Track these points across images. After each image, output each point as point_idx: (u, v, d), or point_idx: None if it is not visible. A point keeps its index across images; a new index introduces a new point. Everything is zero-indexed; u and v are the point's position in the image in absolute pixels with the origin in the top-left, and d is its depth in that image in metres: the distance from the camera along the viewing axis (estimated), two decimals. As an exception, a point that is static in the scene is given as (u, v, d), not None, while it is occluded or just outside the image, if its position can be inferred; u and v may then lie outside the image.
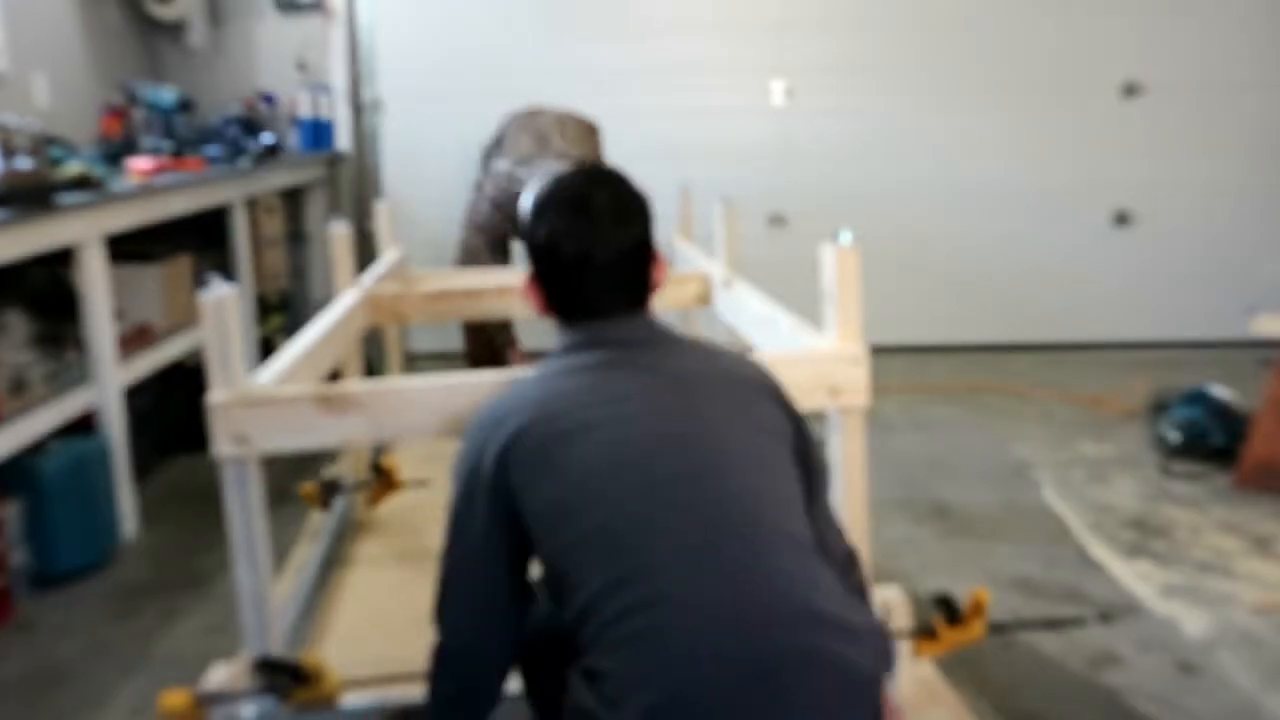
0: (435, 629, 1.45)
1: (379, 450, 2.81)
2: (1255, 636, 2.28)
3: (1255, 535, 2.78)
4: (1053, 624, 2.32)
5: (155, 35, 4.54)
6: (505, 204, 3.59)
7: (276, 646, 1.70)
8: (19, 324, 2.75)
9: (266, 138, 3.93)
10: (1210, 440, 3.31)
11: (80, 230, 2.68)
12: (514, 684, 1.50)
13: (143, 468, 3.19)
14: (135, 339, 3.10)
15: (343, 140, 4.63)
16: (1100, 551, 2.71)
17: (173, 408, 3.48)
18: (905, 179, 4.69)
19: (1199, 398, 3.41)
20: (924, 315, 4.78)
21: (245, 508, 1.65)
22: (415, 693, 1.63)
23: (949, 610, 1.90)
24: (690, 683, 1.17)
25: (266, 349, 3.95)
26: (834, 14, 4.56)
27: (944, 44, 4.61)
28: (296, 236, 4.52)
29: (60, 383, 2.71)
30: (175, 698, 1.67)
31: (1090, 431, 3.65)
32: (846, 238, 1.79)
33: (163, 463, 3.40)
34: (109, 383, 2.81)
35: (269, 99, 4.56)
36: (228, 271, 3.79)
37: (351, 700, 1.74)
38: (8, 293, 2.88)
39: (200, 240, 3.72)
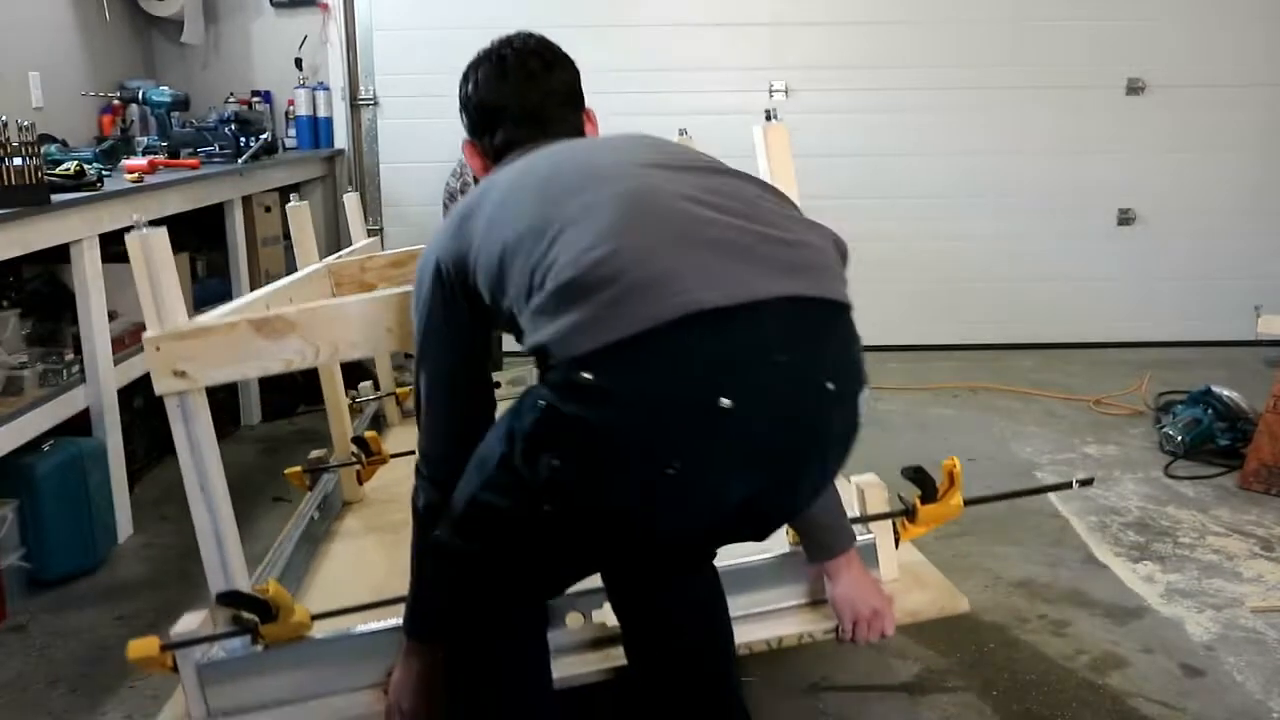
0: (421, 468, 1.51)
1: (360, 427, 2.81)
2: (1260, 638, 2.26)
3: (1260, 537, 2.76)
4: (1056, 626, 2.31)
5: (151, 33, 4.52)
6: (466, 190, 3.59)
7: (241, 585, 1.70)
8: (13, 323, 2.73)
9: (263, 135, 3.91)
10: (1215, 441, 3.29)
11: (75, 229, 2.66)
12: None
13: (138, 468, 3.17)
14: (131, 339, 3.07)
15: (340, 138, 4.61)
16: (1104, 553, 2.69)
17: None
18: (906, 178, 4.67)
19: (1203, 398, 3.39)
20: (925, 315, 4.76)
21: (194, 443, 1.68)
22: (391, 621, 1.65)
23: (924, 485, 1.89)
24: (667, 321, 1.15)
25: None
26: (833, 13, 4.54)
27: (944, 43, 4.59)
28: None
29: (55, 382, 2.69)
30: (142, 645, 1.67)
31: (1094, 432, 3.63)
32: (775, 116, 1.94)
33: (158, 463, 3.38)
34: (104, 382, 2.79)
35: (266, 96, 4.55)
36: (224, 270, 3.78)
37: (322, 632, 1.73)
38: (2, 292, 2.87)
39: (197, 239, 3.71)
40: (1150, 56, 4.61)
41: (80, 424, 2.76)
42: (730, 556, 1.69)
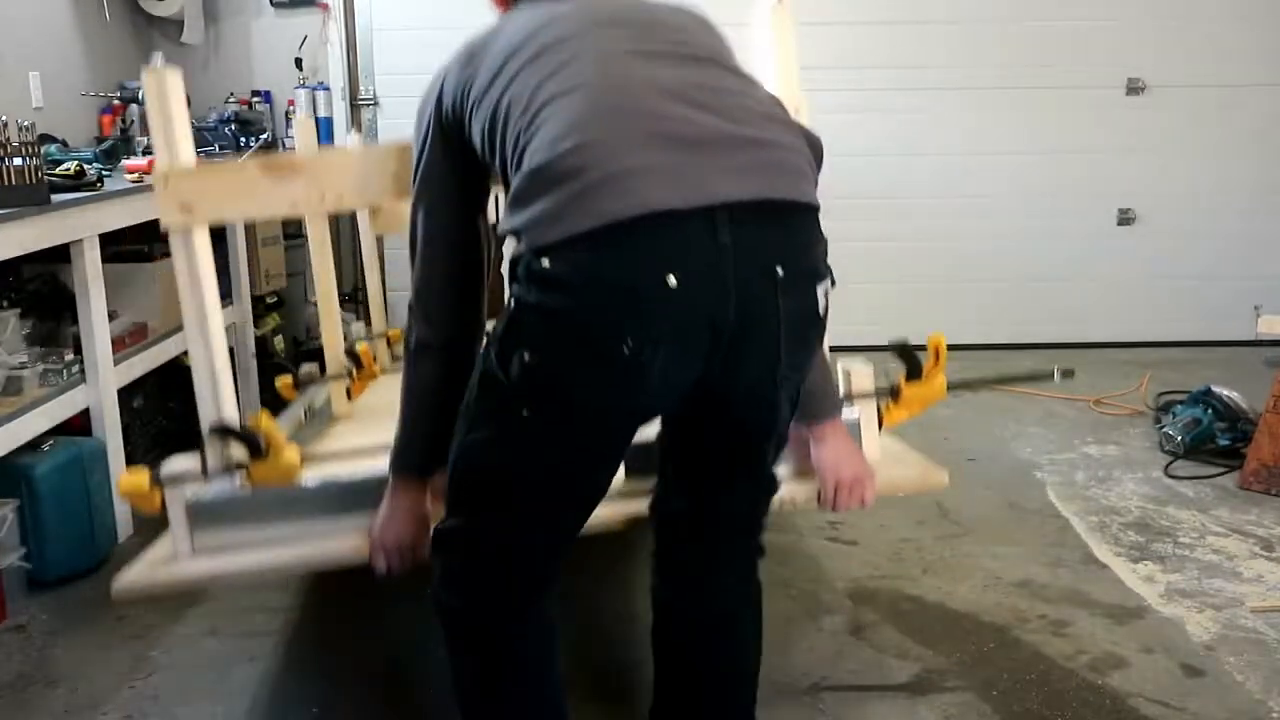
0: (414, 304, 1.53)
1: (352, 340, 2.83)
2: (1260, 638, 2.26)
3: (1260, 537, 2.76)
4: (1056, 626, 2.31)
5: (151, 33, 4.52)
6: None
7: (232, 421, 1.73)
8: (13, 323, 2.73)
9: (263, 135, 3.91)
10: (1215, 441, 3.29)
11: (75, 229, 2.66)
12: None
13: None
14: (131, 339, 3.07)
15: (340, 137, 4.61)
16: (1104, 553, 2.69)
17: (168, 408, 3.46)
18: (907, 178, 4.67)
19: (1203, 398, 3.39)
20: (925, 315, 4.75)
21: (195, 278, 1.70)
22: (378, 465, 1.65)
23: (909, 362, 1.91)
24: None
25: (263, 349, 3.93)
26: (832, 13, 4.54)
27: (944, 43, 4.59)
28: (294, 235, 4.50)
29: (55, 382, 2.69)
30: (133, 478, 1.68)
31: (1094, 432, 3.63)
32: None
33: (158, 464, 3.37)
34: (104, 382, 2.79)
35: (266, 96, 4.55)
36: (225, 270, 3.77)
37: (312, 477, 1.74)
38: (2, 292, 2.87)
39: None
40: (1150, 56, 4.61)
41: (80, 424, 2.76)
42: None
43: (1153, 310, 4.79)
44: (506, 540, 1.42)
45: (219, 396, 1.71)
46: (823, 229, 1.37)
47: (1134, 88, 4.64)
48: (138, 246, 3.31)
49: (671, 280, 1.21)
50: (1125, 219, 4.77)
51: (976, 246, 4.74)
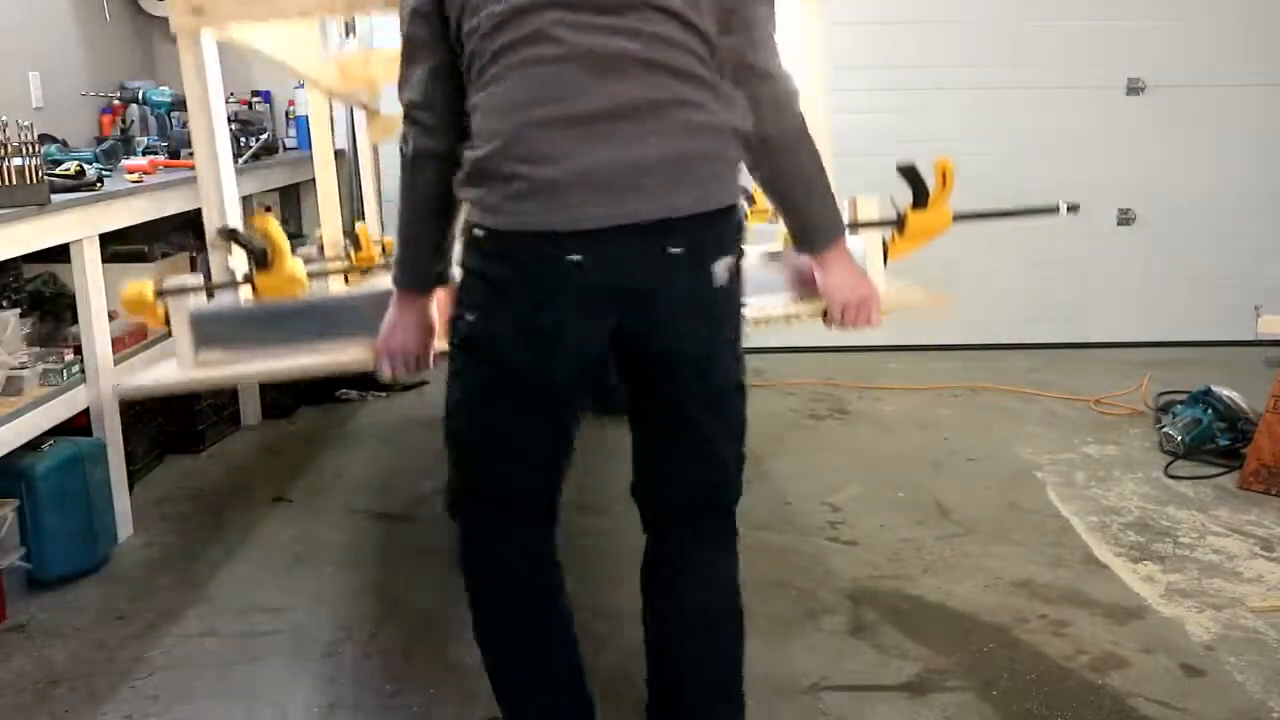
0: (409, 114, 1.61)
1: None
2: (1260, 638, 2.26)
3: (1260, 537, 2.76)
4: (1056, 625, 2.31)
5: (151, 33, 4.51)
6: None
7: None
8: (13, 323, 2.73)
9: (263, 135, 3.91)
10: (1215, 441, 3.29)
11: (75, 229, 2.66)
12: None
13: (138, 468, 3.17)
14: (131, 339, 3.07)
15: (340, 138, 4.60)
16: (1104, 553, 2.69)
17: (168, 408, 3.46)
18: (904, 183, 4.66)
19: (1203, 398, 3.39)
20: (924, 315, 4.75)
21: (202, 83, 1.73)
22: (382, 283, 1.66)
23: (915, 186, 1.90)
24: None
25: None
26: (832, 12, 4.53)
27: (944, 43, 4.59)
28: (294, 235, 4.50)
29: (55, 382, 2.69)
30: (137, 287, 1.67)
31: (1094, 432, 3.63)
32: None
33: (158, 463, 3.38)
34: (104, 382, 2.79)
35: (266, 96, 4.55)
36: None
37: (313, 294, 1.78)
38: (2, 292, 2.87)
39: (197, 239, 3.70)
40: (1150, 56, 4.61)
41: (80, 424, 2.76)
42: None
43: (1153, 310, 4.78)
44: (484, 487, 1.61)
45: (224, 201, 1.73)
46: (736, 205, 1.52)
47: (1134, 88, 4.64)
48: (138, 246, 3.31)
49: (573, 257, 1.43)
50: (1125, 219, 4.77)
51: (976, 246, 4.72)
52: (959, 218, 1.95)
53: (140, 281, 1.67)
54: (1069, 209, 2.01)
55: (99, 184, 2.80)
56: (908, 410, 3.93)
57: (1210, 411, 3.33)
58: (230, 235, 1.70)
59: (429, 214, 1.61)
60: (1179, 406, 3.47)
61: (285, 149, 4.41)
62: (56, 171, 2.71)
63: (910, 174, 1.94)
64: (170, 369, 1.78)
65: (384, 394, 4.16)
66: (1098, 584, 2.53)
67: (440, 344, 1.66)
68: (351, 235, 2.48)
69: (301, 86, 4.49)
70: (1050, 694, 2.07)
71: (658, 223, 1.44)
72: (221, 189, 1.74)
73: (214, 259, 1.73)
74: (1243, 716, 2.00)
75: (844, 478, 3.24)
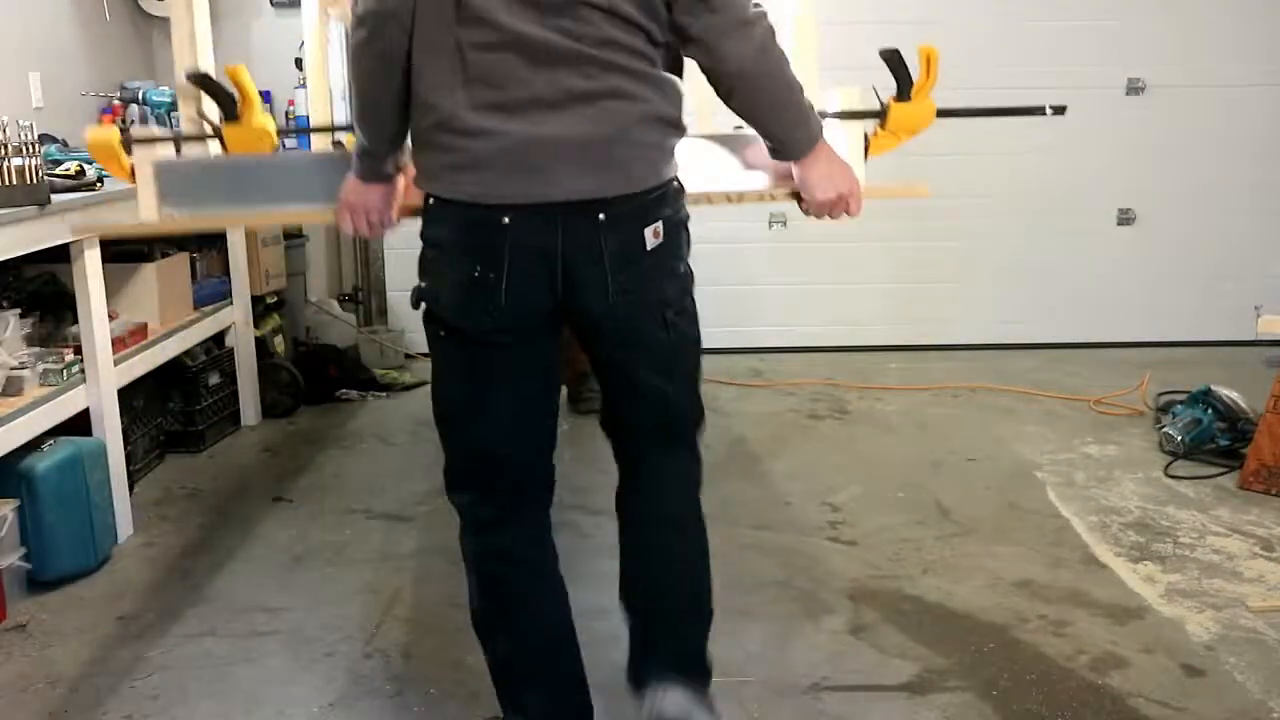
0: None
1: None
2: (1260, 638, 2.26)
3: (1260, 536, 2.76)
4: (1056, 626, 2.31)
5: (151, 33, 4.52)
6: None
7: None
8: (13, 323, 2.73)
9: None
10: (1215, 441, 3.29)
11: (76, 229, 2.66)
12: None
13: (138, 468, 3.17)
14: (131, 339, 3.07)
15: (340, 138, 4.60)
16: (1104, 553, 2.69)
17: (168, 408, 3.46)
18: (906, 178, 4.65)
19: (1203, 398, 3.39)
20: (925, 315, 4.76)
21: None
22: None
23: (899, 74, 1.85)
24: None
25: (263, 350, 3.93)
26: (832, 11, 4.53)
27: (944, 43, 4.56)
28: (294, 235, 4.50)
29: (55, 382, 2.69)
30: (103, 133, 1.67)
31: (1094, 432, 3.63)
32: None
33: (158, 463, 3.38)
34: (104, 382, 2.79)
35: (266, 96, 4.53)
36: (225, 270, 3.77)
37: (285, 152, 1.79)
38: (2, 292, 2.87)
39: (196, 239, 3.70)
40: (1150, 56, 4.61)
41: (80, 424, 2.76)
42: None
43: (1153, 310, 4.79)
44: (466, 458, 1.69)
45: (196, 50, 1.73)
46: (666, 184, 1.57)
47: (1134, 88, 4.64)
48: (138, 246, 3.31)
49: (505, 219, 1.50)
50: (1125, 219, 4.77)
51: (976, 246, 4.74)
52: (943, 113, 1.91)
53: (107, 129, 1.66)
54: (1054, 110, 1.99)
55: (99, 184, 2.80)
56: (908, 410, 3.93)
57: (1210, 411, 3.33)
58: (200, 80, 1.67)
59: (389, 90, 1.55)
60: (1179, 406, 3.47)
61: (285, 148, 4.40)
62: (56, 171, 2.71)
63: (894, 60, 1.87)
64: (130, 214, 1.81)
65: (384, 394, 4.16)
66: (1098, 584, 2.53)
67: (407, 201, 1.69)
68: (339, 146, 2.46)
69: (302, 86, 4.50)
70: (1050, 694, 2.07)
71: (585, 200, 1.52)
72: (195, 34, 1.75)
73: (183, 109, 1.71)
74: (1243, 716, 2.00)
75: (844, 478, 3.24)
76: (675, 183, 1.61)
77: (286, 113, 4.56)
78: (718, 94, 1.60)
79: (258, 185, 1.73)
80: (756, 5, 1.53)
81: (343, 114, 2.24)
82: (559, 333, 1.66)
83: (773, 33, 1.55)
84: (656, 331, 1.63)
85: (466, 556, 1.73)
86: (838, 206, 1.73)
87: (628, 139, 1.51)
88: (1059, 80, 4.62)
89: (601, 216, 1.51)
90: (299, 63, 4.52)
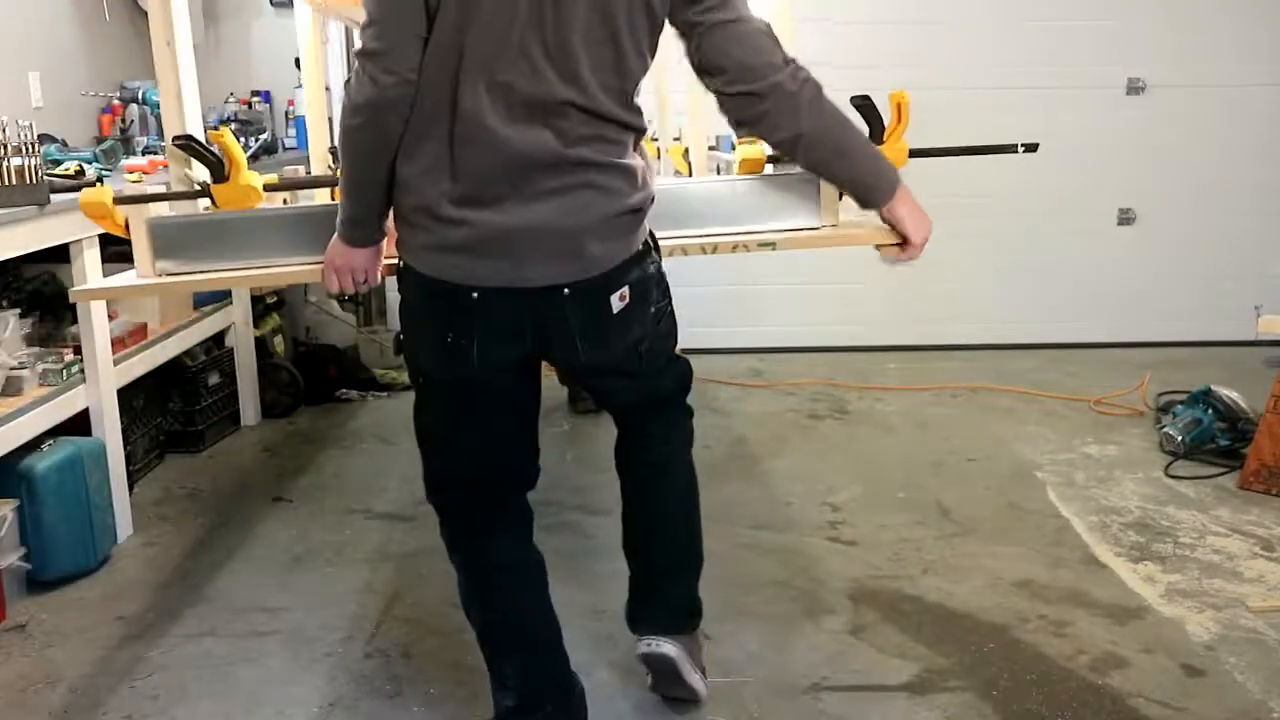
0: (367, 63, 1.54)
1: None
2: (1260, 638, 2.26)
3: (1260, 536, 2.76)
4: (1056, 626, 2.31)
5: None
6: None
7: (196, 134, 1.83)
8: (13, 323, 2.73)
9: (263, 135, 3.91)
10: (1215, 441, 3.29)
11: (75, 229, 2.66)
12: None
13: (138, 468, 3.17)
14: (131, 339, 3.07)
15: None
16: (1104, 553, 2.69)
17: (168, 408, 3.46)
18: (905, 178, 4.65)
19: (1203, 398, 3.39)
20: (925, 315, 4.76)
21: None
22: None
23: (871, 121, 1.91)
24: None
25: (263, 350, 3.93)
26: (830, 12, 4.54)
27: (943, 43, 4.59)
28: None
29: (55, 382, 2.69)
30: (95, 194, 1.74)
31: (1094, 432, 3.62)
32: None
33: (158, 463, 3.38)
34: (104, 382, 2.79)
35: (266, 96, 4.55)
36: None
37: (269, 207, 1.84)
38: (2, 292, 2.87)
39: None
40: (1150, 56, 4.61)
41: (80, 424, 2.76)
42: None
43: (1153, 310, 4.78)
44: (447, 474, 1.80)
45: (184, 113, 1.80)
46: (631, 250, 1.64)
47: (1134, 88, 4.64)
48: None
49: (474, 295, 1.58)
50: (1125, 219, 4.77)
51: (976, 246, 4.73)
52: (915, 153, 1.95)
53: (100, 189, 1.73)
54: (1025, 149, 2.03)
55: (99, 184, 2.80)
56: (908, 410, 3.93)
57: (1210, 411, 3.33)
58: (186, 143, 1.74)
59: (381, 169, 1.59)
60: (1179, 406, 3.47)
61: (285, 149, 4.41)
62: (56, 171, 2.71)
63: (865, 108, 1.94)
64: (129, 275, 1.86)
65: (384, 394, 4.16)
66: (1098, 584, 2.52)
67: (388, 260, 1.75)
68: (334, 153, 2.51)
69: (301, 86, 4.50)
70: (1050, 694, 2.06)
71: (550, 286, 1.61)
72: (181, 97, 1.81)
73: (172, 169, 1.82)
74: (1243, 716, 2.00)
75: (844, 478, 3.24)
76: (647, 243, 1.68)
77: (286, 112, 4.56)
78: (791, 157, 1.78)
79: (249, 240, 1.80)
80: (790, 62, 1.64)
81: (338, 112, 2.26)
82: (539, 370, 1.78)
83: (819, 87, 1.67)
84: (631, 365, 1.76)
85: (446, 540, 1.84)
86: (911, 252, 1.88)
87: (595, 231, 1.59)
88: (1059, 80, 4.62)
89: (566, 291, 1.60)
90: (299, 62, 4.52)
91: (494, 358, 1.65)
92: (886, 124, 1.95)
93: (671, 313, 1.82)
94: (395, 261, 1.70)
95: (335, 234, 1.70)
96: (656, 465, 1.94)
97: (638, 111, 1.64)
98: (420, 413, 1.79)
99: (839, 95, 1.79)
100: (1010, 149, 2.09)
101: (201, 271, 1.80)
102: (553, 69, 1.52)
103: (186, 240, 1.78)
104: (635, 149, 1.65)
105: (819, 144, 1.69)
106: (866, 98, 1.93)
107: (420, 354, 1.71)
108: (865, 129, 1.94)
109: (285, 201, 2.17)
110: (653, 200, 1.69)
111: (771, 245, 1.87)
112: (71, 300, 2.28)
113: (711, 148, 2.49)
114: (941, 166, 5.03)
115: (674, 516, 1.96)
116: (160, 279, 1.81)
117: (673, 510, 1.96)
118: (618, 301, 1.64)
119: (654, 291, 1.72)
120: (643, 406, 1.89)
